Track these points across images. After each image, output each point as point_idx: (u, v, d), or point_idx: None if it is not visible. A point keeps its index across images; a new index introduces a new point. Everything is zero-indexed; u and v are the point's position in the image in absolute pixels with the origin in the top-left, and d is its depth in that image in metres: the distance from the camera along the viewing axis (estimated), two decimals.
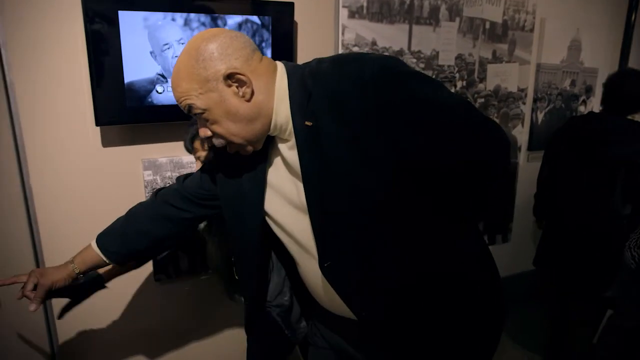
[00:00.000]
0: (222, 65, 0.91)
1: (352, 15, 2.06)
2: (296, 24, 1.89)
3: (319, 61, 0.96)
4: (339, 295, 1.00)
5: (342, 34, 2.05)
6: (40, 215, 1.63)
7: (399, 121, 0.87)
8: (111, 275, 1.46)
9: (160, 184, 1.76)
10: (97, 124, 1.59)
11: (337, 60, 0.94)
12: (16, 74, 1.51)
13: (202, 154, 1.47)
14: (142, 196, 1.74)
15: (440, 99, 0.88)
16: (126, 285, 1.82)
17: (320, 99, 0.90)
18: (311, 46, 1.97)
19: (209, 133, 0.99)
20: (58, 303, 1.66)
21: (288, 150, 0.99)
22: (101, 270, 1.39)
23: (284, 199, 1.04)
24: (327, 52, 2.03)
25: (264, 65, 0.96)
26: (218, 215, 1.20)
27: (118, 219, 1.26)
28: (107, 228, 1.25)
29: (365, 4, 2.07)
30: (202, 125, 0.99)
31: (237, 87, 0.93)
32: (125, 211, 1.28)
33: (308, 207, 0.96)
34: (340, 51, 2.05)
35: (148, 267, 1.84)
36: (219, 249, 1.53)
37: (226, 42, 0.92)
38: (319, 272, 1.00)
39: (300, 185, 0.97)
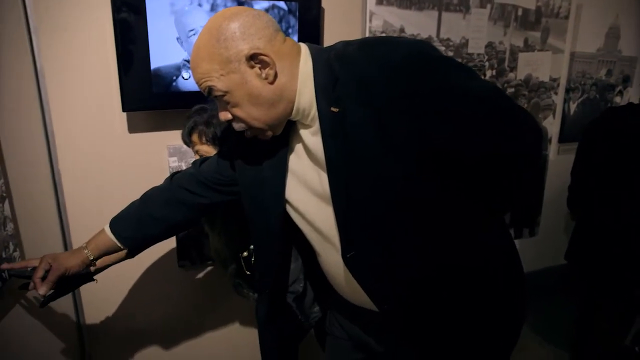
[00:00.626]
0: (244, 45, 0.87)
1: (380, 1, 2.01)
2: (323, 10, 1.86)
3: (346, 44, 0.92)
4: (361, 286, 0.98)
5: (370, 20, 2.01)
6: (69, 200, 1.65)
7: (428, 109, 0.84)
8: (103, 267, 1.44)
9: None
10: (123, 110, 1.60)
11: (366, 44, 0.90)
12: (46, 60, 1.52)
13: (200, 147, 1.43)
14: None
15: (472, 87, 0.85)
16: (150, 271, 1.84)
17: (346, 83, 0.87)
18: (338, 33, 1.94)
19: (229, 116, 0.95)
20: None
21: (311, 137, 0.96)
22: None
23: (306, 187, 1.01)
24: (354, 38, 1.99)
25: (287, 46, 0.92)
26: (236, 202, 1.18)
27: (132, 203, 1.24)
28: (120, 212, 1.23)
29: None
30: (223, 109, 0.95)
31: (260, 68, 0.89)
32: None
33: (332, 196, 0.93)
34: None
35: (172, 254, 1.86)
36: (226, 245, 1.52)
37: (249, 21, 0.88)
38: (340, 262, 0.98)
39: (323, 174, 0.95)
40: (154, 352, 1.95)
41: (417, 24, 2.13)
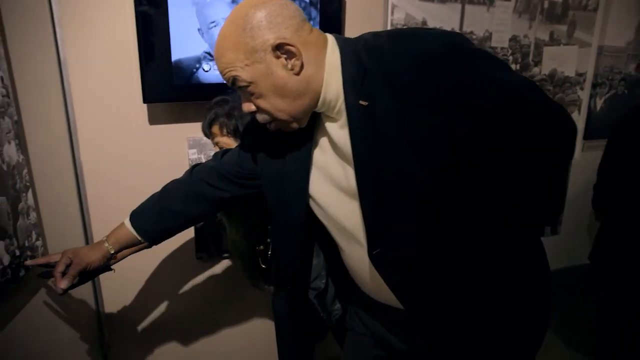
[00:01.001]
0: (270, 35, 0.85)
1: None
2: (345, 2, 1.83)
3: (374, 35, 0.90)
4: (387, 284, 0.96)
5: (392, 13, 1.98)
6: (90, 190, 1.67)
7: (460, 102, 0.81)
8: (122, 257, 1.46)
9: None
10: (144, 102, 1.61)
11: (396, 35, 0.88)
12: (69, 52, 1.53)
13: (220, 139, 1.41)
14: None
15: (504, 80, 0.83)
16: (168, 262, 1.85)
17: (377, 76, 0.85)
18: (359, 25, 1.91)
19: (253, 108, 0.93)
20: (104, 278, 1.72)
21: (337, 130, 0.93)
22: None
23: (330, 181, 0.99)
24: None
25: (314, 36, 0.90)
26: (257, 195, 1.17)
27: (152, 196, 1.23)
28: (140, 206, 1.23)
29: None
30: (246, 100, 0.94)
31: (286, 59, 0.87)
32: None
33: (359, 191, 0.91)
34: None
35: (190, 245, 1.86)
36: (243, 238, 1.51)
37: (275, 10, 0.86)
38: (365, 258, 0.97)
39: (349, 168, 0.93)
40: (170, 341, 1.96)
41: (440, 17, 2.09)
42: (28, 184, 1.27)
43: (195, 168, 1.22)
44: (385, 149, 0.86)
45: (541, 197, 1.05)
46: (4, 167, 1.14)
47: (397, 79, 0.83)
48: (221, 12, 1.59)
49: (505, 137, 0.83)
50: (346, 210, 0.98)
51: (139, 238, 1.19)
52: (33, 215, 1.29)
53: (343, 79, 0.89)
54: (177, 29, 1.55)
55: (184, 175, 1.24)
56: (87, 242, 1.69)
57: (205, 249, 1.88)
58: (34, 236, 1.29)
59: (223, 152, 1.21)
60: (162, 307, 1.91)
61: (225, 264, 1.96)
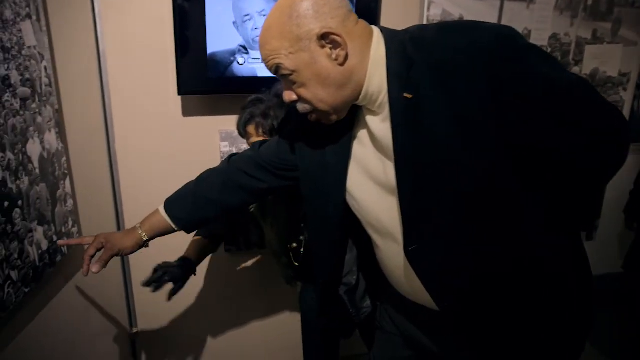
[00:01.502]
0: (316, 24, 0.84)
1: None
2: None
3: (421, 28, 0.88)
4: (422, 281, 0.94)
5: (428, 9, 1.95)
6: (123, 178, 1.70)
7: (511, 97, 0.79)
8: (198, 260, 1.50)
9: None
10: (179, 93, 1.63)
11: (446, 28, 0.85)
12: (108, 42, 1.56)
13: (256, 139, 1.39)
14: None
15: (558, 78, 0.79)
16: None
17: (423, 69, 0.83)
18: (395, 21, 1.88)
19: (295, 97, 0.92)
20: (137, 268, 1.75)
21: (379, 123, 0.92)
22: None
23: (368, 176, 0.98)
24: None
25: (359, 28, 0.88)
26: (293, 188, 1.16)
27: (187, 185, 1.22)
28: (175, 194, 1.21)
29: None
30: (288, 88, 0.93)
31: (330, 48, 0.85)
32: None
33: (398, 187, 0.89)
34: None
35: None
36: (277, 236, 1.51)
37: (322, 0, 0.85)
38: (400, 255, 0.95)
39: (388, 162, 0.91)
40: (196, 330, 1.99)
41: (477, 13, 2.04)
42: (66, 171, 1.30)
43: (232, 157, 1.21)
44: (429, 143, 0.84)
45: (583, 201, 1.01)
46: (45, 154, 1.18)
47: (447, 72, 0.81)
48: (256, 6, 1.60)
49: (554, 137, 0.80)
50: (383, 205, 0.96)
51: (173, 226, 1.18)
52: (70, 202, 1.32)
53: (388, 72, 0.87)
54: (213, 23, 1.57)
55: (220, 164, 1.23)
56: (119, 230, 1.72)
57: (234, 242, 1.90)
58: (70, 222, 1.32)
59: (260, 143, 1.20)
60: (190, 296, 1.93)
61: (253, 257, 1.98)
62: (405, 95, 0.84)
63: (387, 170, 0.92)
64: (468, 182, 0.85)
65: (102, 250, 1.12)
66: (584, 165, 0.83)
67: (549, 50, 2.20)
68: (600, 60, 2.32)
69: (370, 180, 0.98)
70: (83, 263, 1.09)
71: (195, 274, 1.48)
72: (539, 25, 2.15)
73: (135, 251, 1.18)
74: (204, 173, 1.22)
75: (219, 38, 1.59)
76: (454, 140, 0.83)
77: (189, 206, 1.17)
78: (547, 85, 0.79)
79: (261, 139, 1.38)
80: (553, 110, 0.79)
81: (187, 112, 1.71)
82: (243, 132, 1.43)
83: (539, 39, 2.17)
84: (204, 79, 1.61)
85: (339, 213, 1.06)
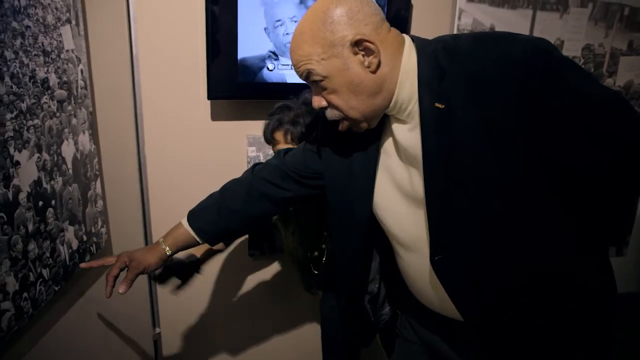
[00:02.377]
0: (350, 31, 0.84)
1: None
2: (412, 6, 1.80)
3: (454, 37, 0.88)
4: (447, 292, 0.93)
5: (459, 18, 1.93)
6: (151, 181, 1.72)
7: (546, 110, 0.78)
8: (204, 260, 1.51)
9: (262, 160, 1.78)
10: (208, 98, 1.64)
11: (480, 38, 0.85)
12: (141, 48, 1.59)
13: (284, 146, 1.38)
14: None
15: (593, 92, 0.78)
16: (220, 258, 1.88)
17: (456, 79, 0.82)
18: (425, 30, 1.87)
19: (324, 103, 0.92)
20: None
21: (406, 132, 0.91)
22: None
23: (395, 185, 0.97)
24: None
25: (392, 36, 0.88)
26: (318, 197, 1.15)
27: (210, 196, 1.21)
28: (199, 205, 1.20)
29: None
30: (317, 94, 0.93)
31: (363, 55, 0.85)
32: None
33: (426, 197, 0.89)
34: None
35: (243, 241, 1.89)
36: (299, 245, 1.51)
37: (357, 7, 0.85)
38: (424, 266, 0.94)
39: (415, 172, 0.91)
40: (217, 333, 2.00)
41: (508, 23, 2.01)
42: (97, 172, 1.33)
43: (256, 167, 1.21)
44: (459, 154, 0.84)
45: (613, 217, 0.99)
46: (78, 155, 1.20)
47: (481, 83, 0.80)
48: (288, 12, 1.60)
49: (586, 150, 0.79)
50: (409, 215, 0.96)
51: (197, 239, 1.17)
52: (100, 203, 1.35)
53: (419, 81, 0.86)
54: (244, 28, 1.58)
55: (244, 174, 1.22)
56: (145, 233, 1.74)
57: (258, 247, 1.90)
58: (99, 223, 1.34)
59: (285, 151, 1.20)
60: (212, 298, 1.94)
61: (276, 262, 1.98)
62: (437, 105, 0.83)
63: (414, 179, 0.92)
64: (497, 194, 0.84)
65: (127, 269, 1.10)
66: (617, 178, 0.82)
67: (582, 61, 2.15)
68: (635, 72, 2.26)
69: (397, 190, 0.97)
70: (106, 284, 1.07)
71: (199, 272, 1.48)
72: (572, 35, 2.11)
73: (160, 267, 1.17)
74: (227, 183, 1.22)
75: (250, 44, 1.60)
76: (485, 152, 0.82)
77: (213, 217, 1.16)
78: (580, 98, 0.78)
79: (289, 146, 1.38)
80: (586, 123, 0.78)
81: (215, 116, 1.73)
82: (270, 138, 1.43)
83: (572, 49, 2.13)
84: (233, 83, 1.63)
85: (366, 222, 1.05)
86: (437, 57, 0.85)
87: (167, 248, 1.15)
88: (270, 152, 1.78)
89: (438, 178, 0.86)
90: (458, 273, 0.91)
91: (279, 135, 1.39)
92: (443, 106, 0.83)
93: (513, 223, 0.86)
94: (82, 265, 1.16)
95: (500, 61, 0.79)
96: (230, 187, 1.20)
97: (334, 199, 1.09)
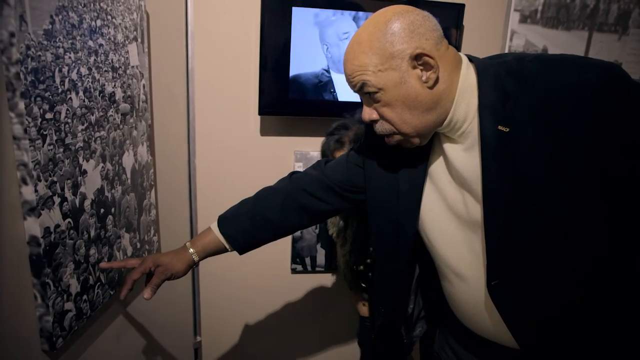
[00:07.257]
0: (411, 44, 0.81)
1: (523, 19, 1.89)
2: (463, 27, 1.79)
3: (518, 59, 0.85)
4: (503, 319, 0.90)
5: (510, 39, 1.90)
6: (200, 193, 1.77)
7: (618, 140, 0.76)
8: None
9: None
10: (259, 113, 1.68)
11: (549, 62, 0.82)
12: (197, 62, 1.65)
13: None
14: None
15: None
16: (262, 273, 1.91)
17: (522, 103, 0.80)
18: (476, 50, 1.84)
19: (375, 116, 0.89)
20: (206, 274, 1.81)
21: (459, 153, 0.89)
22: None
23: (446, 206, 0.95)
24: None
25: (450, 53, 0.86)
26: (356, 211, 1.12)
27: (243, 202, 1.16)
28: (230, 211, 1.14)
29: (540, 8, 1.89)
30: (369, 106, 0.90)
31: (422, 70, 0.83)
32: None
33: (485, 223, 0.86)
34: None
35: (286, 256, 1.90)
36: (348, 257, 1.51)
37: (418, 20, 0.83)
38: (475, 290, 0.92)
39: (468, 195, 0.89)
40: (255, 346, 2.01)
41: (563, 45, 1.96)
42: (152, 182, 1.38)
43: (293, 175, 1.16)
44: (524, 181, 0.81)
45: None
46: (136, 166, 1.25)
47: (551, 111, 0.78)
48: (342, 29, 1.63)
49: None
50: (460, 238, 0.93)
51: (227, 246, 1.12)
52: (153, 212, 1.39)
53: (480, 103, 0.85)
54: (297, 45, 1.61)
55: (280, 182, 1.17)
56: None
57: (300, 261, 1.91)
58: (152, 231, 1.39)
59: (325, 162, 1.17)
60: (253, 311, 1.96)
61: (317, 278, 1.98)
62: (501, 128, 0.81)
63: (468, 202, 0.89)
64: (559, 221, 0.82)
65: (154, 274, 1.06)
66: None
67: None
68: None
69: (449, 212, 0.94)
70: (124, 286, 1.03)
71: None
72: (630, 57, 2.04)
73: (186, 273, 1.11)
74: (261, 191, 1.17)
75: (302, 61, 1.63)
76: (548, 179, 0.80)
77: (245, 225, 1.11)
78: None
79: None
80: None
81: (264, 131, 1.77)
82: (330, 156, 1.43)
83: (630, 71, 2.01)
84: (284, 100, 1.66)
85: (409, 242, 1.02)
86: (501, 79, 0.83)
87: (195, 255, 1.10)
88: None
89: (498, 203, 0.84)
90: (515, 299, 0.88)
91: (340, 154, 1.40)
92: (507, 129, 0.81)
93: (573, 250, 0.84)
94: (102, 265, 1.07)
95: (574, 88, 0.77)
96: (265, 196, 1.15)
97: (376, 216, 1.07)
